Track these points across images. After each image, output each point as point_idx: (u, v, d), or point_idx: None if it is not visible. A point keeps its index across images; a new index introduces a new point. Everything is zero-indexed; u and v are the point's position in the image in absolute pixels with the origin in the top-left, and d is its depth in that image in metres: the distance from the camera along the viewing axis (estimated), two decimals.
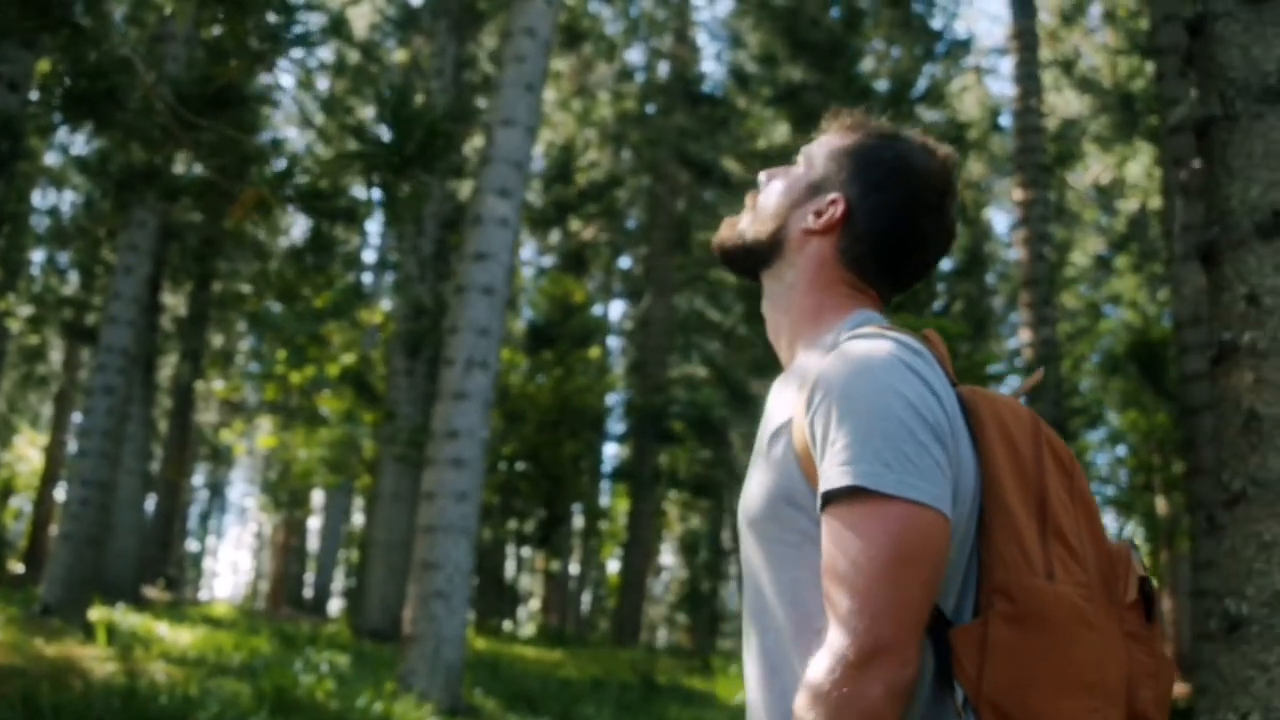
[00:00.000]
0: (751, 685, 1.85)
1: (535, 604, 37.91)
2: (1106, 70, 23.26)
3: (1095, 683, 1.65)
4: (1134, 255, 24.43)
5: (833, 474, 1.66)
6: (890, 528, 1.61)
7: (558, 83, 26.66)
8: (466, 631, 11.37)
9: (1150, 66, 19.61)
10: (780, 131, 20.16)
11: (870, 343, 1.77)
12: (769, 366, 17.20)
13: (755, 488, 1.85)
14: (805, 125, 16.71)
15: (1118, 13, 22.29)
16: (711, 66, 46.35)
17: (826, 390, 1.72)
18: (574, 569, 35.92)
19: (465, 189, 20.79)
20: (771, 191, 2.05)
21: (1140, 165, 21.41)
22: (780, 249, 2.01)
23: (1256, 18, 3.97)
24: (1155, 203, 22.16)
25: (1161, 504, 22.82)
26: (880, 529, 1.61)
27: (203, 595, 48.23)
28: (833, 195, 1.98)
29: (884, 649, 1.57)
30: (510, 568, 34.11)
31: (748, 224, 2.06)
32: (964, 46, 22.37)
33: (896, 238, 1.98)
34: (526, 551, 34.54)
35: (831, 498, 1.66)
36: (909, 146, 2.01)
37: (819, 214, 1.98)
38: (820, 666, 1.60)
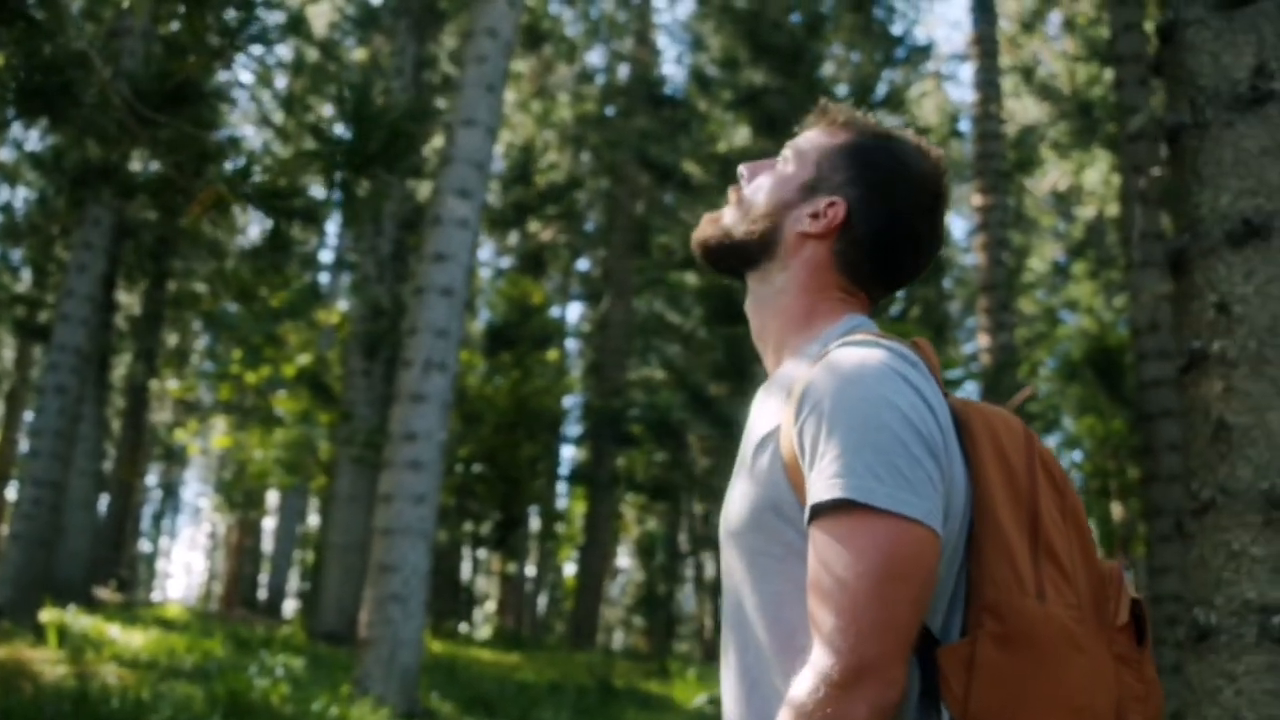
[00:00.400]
0: (729, 700, 1.79)
1: (491, 606, 37.76)
2: (1065, 77, 23.37)
3: (1084, 707, 1.60)
4: (1091, 262, 24.55)
5: (822, 486, 1.61)
6: (880, 543, 1.57)
7: (518, 84, 26.58)
8: (423, 635, 11.29)
9: (1109, 74, 19.71)
10: (741, 135, 20.14)
11: (862, 351, 1.72)
12: (729, 370, 17.16)
13: (739, 499, 1.79)
14: (766, 129, 16.69)
15: (1077, 20, 22.39)
16: (672, 69, 46.33)
17: (817, 399, 1.67)
18: (530, 571, 35.82)
19: (424, 189, 20.69)
20: (761, 189, 1.99)
21: (1098, 172, 21.51)
22: (772, 250, 1.96)
23: (1227, 25, 3.95)
24: (1112, 209, 22.27)
25: (1118, 510, 22.93)
26: (870, 544, 1.57)
27: (156, 596, 47.79)
28: (831, 198, 1.93)
29: (869, 669, 1.52)
30: (466, 569, 33.99)
31: (734, 221, 2.00)
32: (924, 52, 22.44)
33: (893, 242, 1.94)
34: (483, 553, 34.40)
35: (820, 510, 1.61)
36: (904, 147, 1.96)
37: (815, 216, 1.93)
38: (804, 686, 1.55)
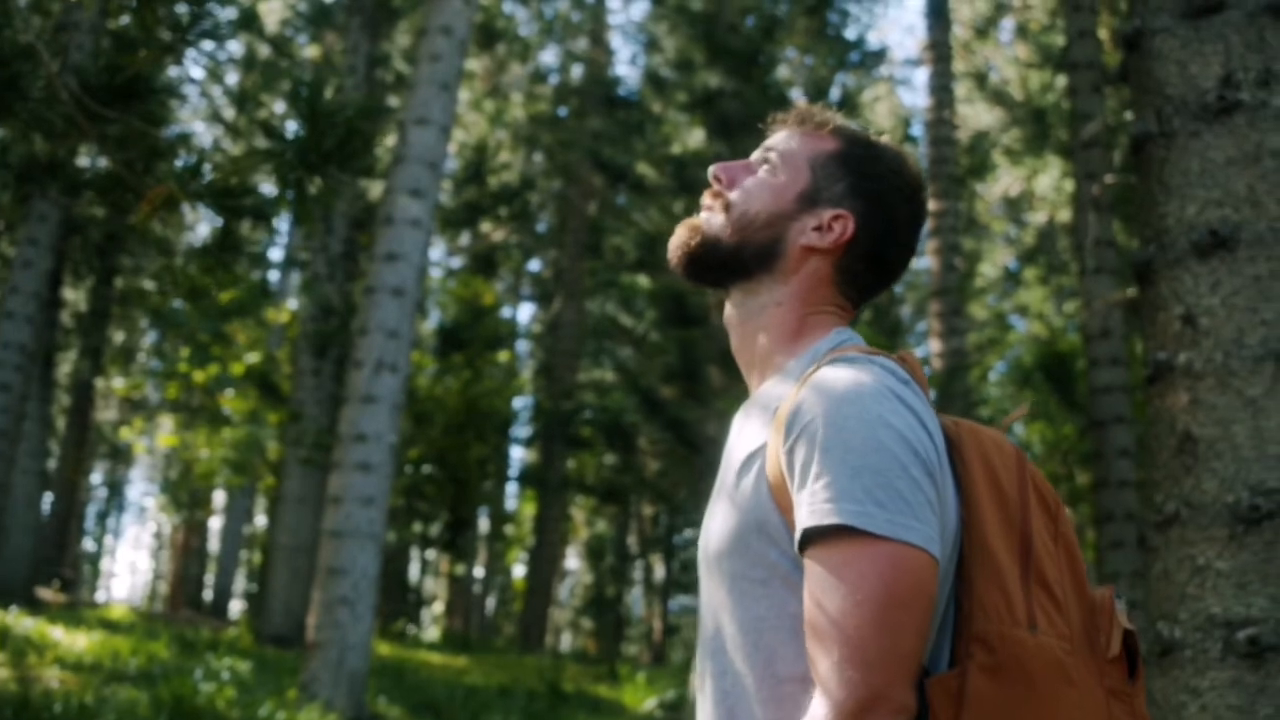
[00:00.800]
0: None
1: (439, 607, 37.57)
2: (1018, 84, 23.47)
3: None
4: (1042, 267, 24.66)
5: (818, 510, 1.54)
6: (882, 570, 1.51)
7: (471, 83, 26.45)
8: (372, 639, 11.18)
9: (1061, 80, 19.80)
10: (695, 137, 20.11)
11: (855, 368, 1.66)
12: (681, 373, 17.12)
13: (720, 520, 1.72)
14: (721, 131, 16.65)
15: (1030, 27, 22.49)
16: (626, 70, 46.28)
17: (808, 419, 1.60)
18: (478, 572, 35.68)
19: (376, 188, 20.53)
20: (753, 196, 1.90)
21: (1050, 178, 21.61)
22: (770, 263, 1.87)
23: (1194, 34, 3.93)
24: (1064, 215, 22.37)
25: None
26: (872, 571, 1.51)
27: (100, 597, 47.34)
28: (835, 210, 1.85)
29: (881, 698, 1.47)
30: (414, 570, 33.82)
31: (721, 228, 1.90)
32: (878, 57, 22.50)
33: (893, 254, 1.89)
34: (431, 554, 34.26)
35: (816, 536, 1.55)
36: (893, 155, 1.90)
37: (820, 229, 1.85)
38: (816, 717, 1.49)
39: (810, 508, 1.55)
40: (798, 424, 1.61)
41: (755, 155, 1.97)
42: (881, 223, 1.86)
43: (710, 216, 1.92)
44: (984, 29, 24.55)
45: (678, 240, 1.93)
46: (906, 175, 1.90)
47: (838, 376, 1.64)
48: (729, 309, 1.93)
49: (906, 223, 1.89)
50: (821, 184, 1.87)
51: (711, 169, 1.96)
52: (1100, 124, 13.40)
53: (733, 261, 1.88)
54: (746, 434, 1.76)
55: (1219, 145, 3.81)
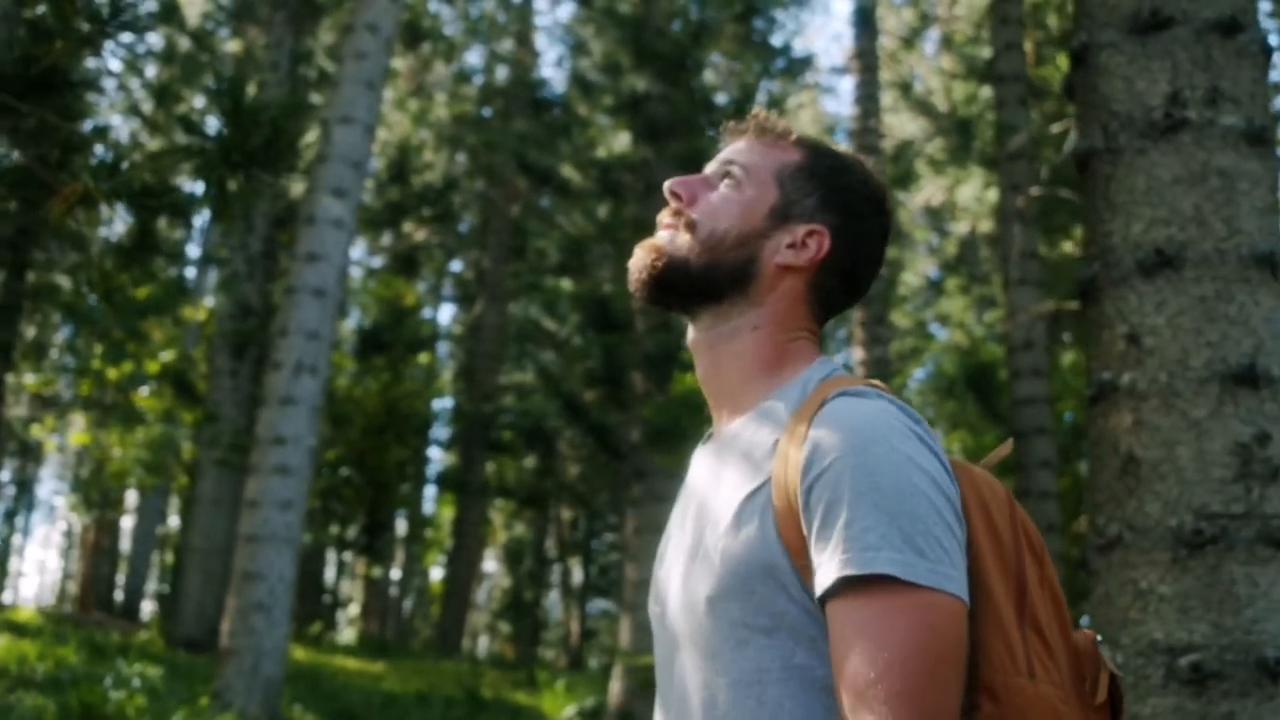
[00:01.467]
0: None
1: (355, 610, 37.24)
2: (943, 94, 23.60)
3: None
4: (963, 277, 24.82)
5: (857, 558, 1.45)
6: (931, 623, 1.43)
7: (394, 82, 26.21)
8: (287, 645, 10.99)
9: (985, 92, 19.91)
10: (621, 141, 20.02)
11: (870, 404, 1.56)
12: (604, 378, 17.01)
13: (713, 561, 1.59)
14: (647, 136, 16.56)
15: (955, 39, 22.62)
16: (552, 72, 46.14)
17: (834, 457, 1.49)
18: (395, 575, 35.39)
19: (298, 186, 20.27)
20: (721, 213, 1.78)
21: (972, 189, 21.74)
22: (745, 284, 1.75)
23: (1141, 50, 3.88)
24: (985, 226, 22.52)
25: None
26: (920, 624, 1.43)
27: (7, 597, 46.46)
28: (809, 226, 1.75)
29: None
30: (330, 573, 33.51)
31: (688, 249, 1.77)
32: (804, 64, 22.52)
33: (865, 270, 1.79)
34: (348, 556, 33.95)
35: (851, 586, 1.45)
36: (860, 165, 1.81)
37: (795, 246, 1.74)
38: None
39: (846, 555, 1.46)
40: (818, 463, 1.50)
41: (712, 168, 1.85)
42: (854, 237, 1.77)
43: (674, 236, 1.79)
44: (910, 39, 24.66)
45: (640, 262, 1.80)
46: (875, 186, 1.81)
47: (855, 412, 1.54)
48: (695, 334, 1.80)
49: (878, 236, 1.80)
50: (792, 198, 1.77)
51: (668, 185, 1.82)
52: (1026, 136, 13.47)
53: (703, 284, 1.76)
54: (733, 471, 1.64)
55: (1165, 163, 3.76)
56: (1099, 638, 1.69)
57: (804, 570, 1.52)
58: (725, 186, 1.80)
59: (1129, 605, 3.58)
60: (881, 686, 1.41)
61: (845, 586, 1.45)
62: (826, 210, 1.76)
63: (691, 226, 1.78)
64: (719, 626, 1.58)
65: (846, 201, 1.77)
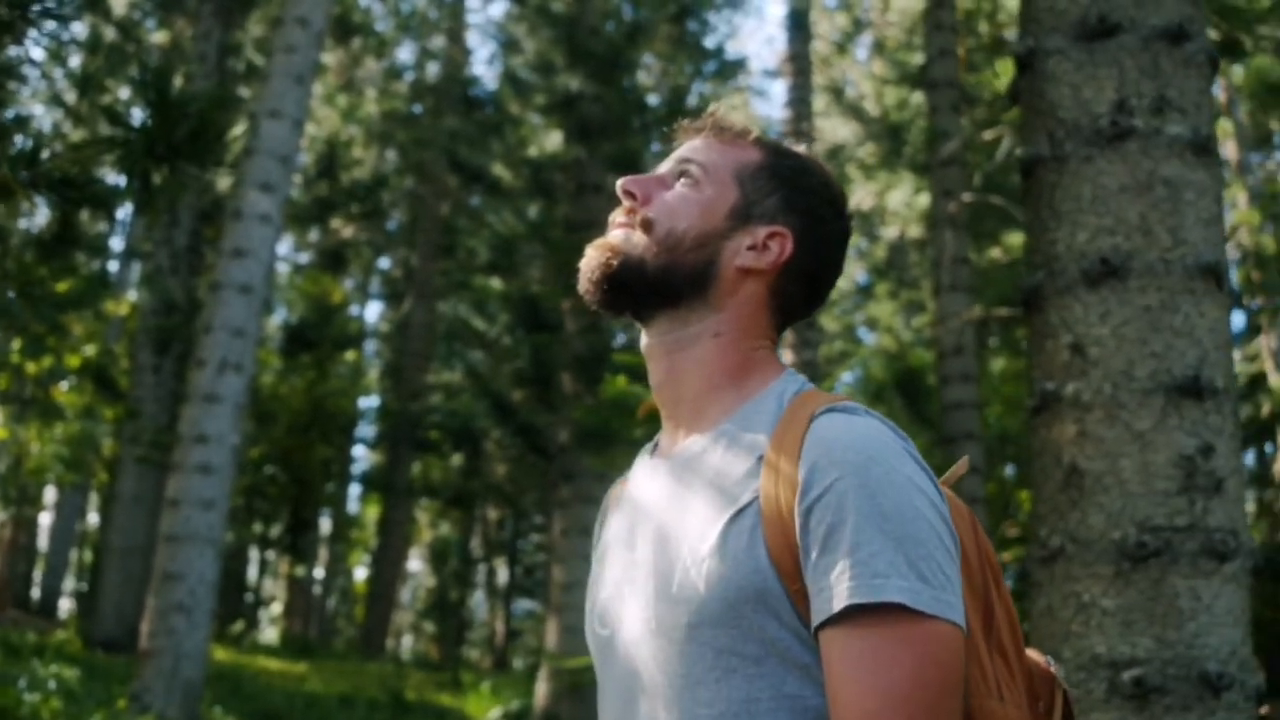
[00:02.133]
0: None
1: (278, 609, 36.87)
2: (874, 99, 23.68)
3: None
4: (892, 282, 24.92)
5: (864, 586, 1.38)
6: (936, 654, 1.37)
7: (324, 77, 25.95)
8: (208, 646, 10.81)
9: (916, 98, 19.99)
10: (553, 140, 19.93)
11: (864, 421, 1.49)
12: (532, 378, 16.90)
13: (695, 586, 1.50)
14: (579, 135, 16.48)
15: (887, 44, 22.71)
16: (484, 70, 45.92)
17: (834, 478, 1.42)
18: (319, 574, 35.08)
19: (224, 180, 20.01)
20: (679, 213, 1.68)
21: (902, 194, 21.82)
22: (703, 287, 1.66)
23: (1089, 58, 3.84)
24: (915, 231, 22.61)
25: None
26: (925, 655, 1.37)
27: None
28: (771, 227, 1.66)
29: None
30: (253, 572, 33.17)
31: (645, 249, 1.67)
32: (737, 67, 22.53)
33: (826, 274, 1.71)
34: (271, 555, 33.62)
35: (854, 613, 1.38)
36: (819, 166, 1.73)
37: (756, 248, 1.66)
38: None
39: (854, 582, 1.38)
40: (817, 484, 1.43)
41: (667, 167, 1.76)
42: (816, 240, 1.69)
43: (629, 235, 1.69)
44: (843, 44, 24.74)
45: (592, 263, 1.69)
46: (834, 188, 1.73)
47: (851, 431, 1.47)
48: (649, 339, 1.70)
49: (839, 239, 1.73)
50: (752, 198, 1.68)
51: (621, 183, 1.73)
52: (958, 142, 13.51)
53: (660, 286, 1.66)
54: (706, 490, 1.55)
55: (1112, 172, 3.73)
56: (1050, 659, 1.65)
57: (797, 595, 1.44)
58: (682, 185, 1.71)
59: (1071, 618, 3.54)
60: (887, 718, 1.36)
61: (848, 613, 1.38)
62: (789, 211, 1.68)
63: (648, 225, 1.68)
64: (702, 655, 1.49)
65: (809, 203, 1.69)
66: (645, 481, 1.70)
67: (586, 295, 1.70)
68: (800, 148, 1.78)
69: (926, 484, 1.46)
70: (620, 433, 12.27)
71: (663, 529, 1.58)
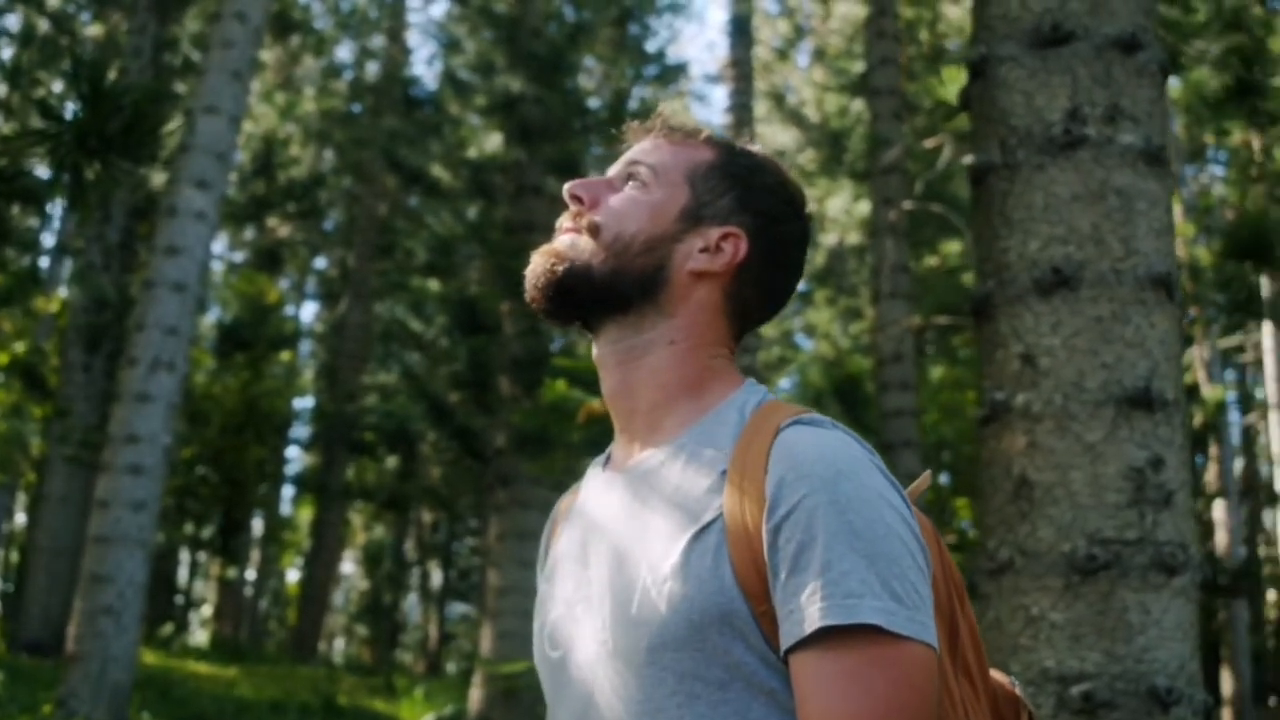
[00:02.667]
0: None
1: (208, 611, 36.51)
2: (814, 106, 23.75)
3: None
4: (831, 289, 25.00)
5: (837, 606, 1.32)
6: (910, 676, 1.32)
7: (262, 74, 25.72)
8: (137, 650, 10.65)
9: (857, 105, 20.06)
10: (493, 141, 19.83)
11: (830, 434, 1.43)
12: (469, 381, 16.79)
13: (656, 608, 1.43)
14: (520, 137, 16.39)
15: (829, 51, 22.78)
16: (423, 70, 45.68)
17: (803, 495, 1.36)
18: (250, 576, 34.77)
19: (159, 177, 19.76)
20: (627, 216, 1.61)
21: (842, 201, 21.90)
22: (654, 292, 1.59)
23: (1042, 65, 3.81)
24: (853, 238, 22.70)
25: None
26: (899, 679, 1.32)
27: None
28: (724, 228, 1.59)
29: None
30: (183, 573, 32.84)
31: (591, 254, 1.60)
32: (678, 71, 22.53)
33: (784, 278, 1.64)
34: (202, 557, 33.30)
35: (826, 635, 1.32)
36: (775, 165, 1.66)
37: (708, 250, 1.59)
38: None
39: (826, 602, 1.33)
40: (785, 500, 1.37)
41: (616, 170, 1.69)
42: (772, 240, 1.62)
43: (575, 240, 1.62)
44: (785, 50, 24.81)
45: (538, 270, 1.63)
46: (791, 187, 1.67)
47: (819, 445, 1.41)
48: (600, 349, 1.63)
49: (797, 240, 1.66)
50: (704, 199, 1.61)
51: (568, 187, 1.66)
52: (899, 150, 13.54)
53: (608, 292, 1.60)
54: (666, 507, 1.48)
55: (1064, 180, 3.70)
56: (1014, 680, 1.62)
57: (764, 617, 1.38)
58: (631, 188, 1.64)
59: (1019, 632, 3.50)
60: None
61: (820, 636, 1.32)
62: (742, 212, 1.61)
63: (594, 230, 1.62)
64: (662, 680, 1.42)
65: (764, 203, 1.63)
66: (599, 495, 1.63)
67: (533, 304, 1.63)
68: (755, 147, 1.71)
69: (896, 499, 1.41)
70: (559, 437, 12.21)
71: (619, 547, 1.51)
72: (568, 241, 1.62)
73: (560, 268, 1.60)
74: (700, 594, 1.40)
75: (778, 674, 1.38)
